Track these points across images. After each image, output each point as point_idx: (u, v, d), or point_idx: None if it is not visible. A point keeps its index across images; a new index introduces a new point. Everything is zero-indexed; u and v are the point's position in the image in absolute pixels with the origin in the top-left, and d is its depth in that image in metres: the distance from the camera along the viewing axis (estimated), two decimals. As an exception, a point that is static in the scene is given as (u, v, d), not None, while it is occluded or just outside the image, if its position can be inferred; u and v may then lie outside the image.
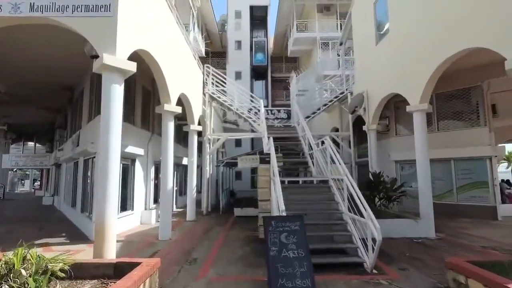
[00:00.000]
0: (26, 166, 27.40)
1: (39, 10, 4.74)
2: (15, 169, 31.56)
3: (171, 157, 7.94)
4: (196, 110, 11.22)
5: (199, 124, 11.62)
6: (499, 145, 11.20)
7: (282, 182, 6.83)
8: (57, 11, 4.74)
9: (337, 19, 20.51)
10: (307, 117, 13.44)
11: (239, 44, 25.57)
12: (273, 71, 27.78)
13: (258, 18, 27.19)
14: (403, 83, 8.74)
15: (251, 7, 25.98)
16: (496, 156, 10.52)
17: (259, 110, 13.56)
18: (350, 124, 12.86)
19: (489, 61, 10.04)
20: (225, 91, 13.71)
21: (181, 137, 15.33)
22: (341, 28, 20.19)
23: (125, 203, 9.12)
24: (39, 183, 35.30)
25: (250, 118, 13.13)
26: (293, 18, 20.70)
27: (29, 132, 23.32)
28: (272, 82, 27.13)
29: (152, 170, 11.09)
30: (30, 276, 2.78)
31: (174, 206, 13.92)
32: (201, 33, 20.72)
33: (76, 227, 9.67)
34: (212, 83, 13.42)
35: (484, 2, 5.84)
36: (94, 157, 8.17)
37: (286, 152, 10.55)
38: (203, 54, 19.75)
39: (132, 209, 9.43)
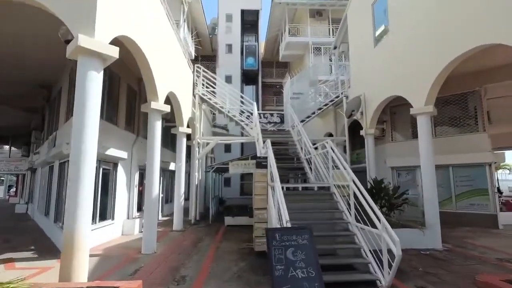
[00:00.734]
0: (0, 171, 25.69)
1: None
2: (-12, 175, 29.59)
3: (158, 160, 7.18)
4: (186, 111, 10.50)
5: (188, 126, 10.89)
6: (500, 151, 10.98)
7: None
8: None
9: (329, 24, 20.38)
10: (302, 121, 12.93)
11: (229, 47, 25.06)
12: (264, 76, 27.41)
13: (249, 22, 26.85)
14: (405, 85, 8.34)
15: (242, 11, 25.63)
16: (495, 163, 10.26)
17: (251, 114, 13.00)
18: (345, 129, 12.42)
19: (487, 66, 9.89)
20: (215, 93, 13.05)
21: (169, 141, 14.51)
22: (333, 34, 20.15)
23: (105, 212, 8.24)
24: (14, 189, 33.22)
25: (242, 121, 12.48)
26: (285, 23, 20.41)
27: (3, 135, 21.80)
28: (263, 87, 26.71)
29: (137, 175, 10.23)
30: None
31: (160, 214, 13.02)
32: (191, 35, 20.11)
33: (48, 238, 8.67)
34: (203, 85, 12.76)
35: (498, -3, 5.49)
36: (70, 160, 7.31)
37: (280, 157, 9.93)
38: (193, 57, 19.11)
39: (113, 218, 8.54)
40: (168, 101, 8.49)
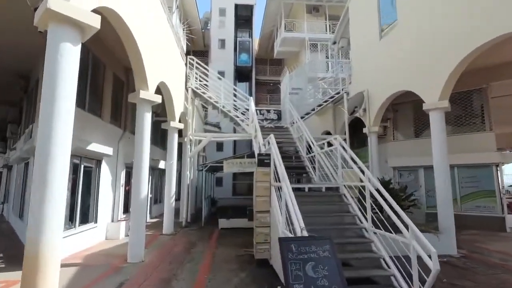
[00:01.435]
0: (-24, 169, 24.10)
1: None
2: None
3: (147, 157, 6.39)
4: (178, 105, 9.70)
5: (179, 122, 10.09)
6: (508, 151, 10.61)
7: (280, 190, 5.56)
8: None
9: (326, 20, 19.88)
10: (301, 117, 12.31)
11: (222, 42, 24.26)
12: (257, 73, 26.76)
13: (243, 17, 26.15)
14: (416, 79, 7.79)
15: (236, 6, 24.90)
16: (503, 163, 9.87)
17: (247, 110, 12.31)
18: (346, 127, 11.84)
19: (494, 63, 9.47)
20: (208, 87, 12.26)
21: (159, 137, 13.65)
22: (330, 30, 19.66)
23: (86, 214, 7.37)
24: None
25: (238, 117, 11.76)
26: (281, 18, 19.78)
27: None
28: (256, 85, 26.05)
29: (123, 173, 9.37)
30: None
31: (148, 216, 12.15)
32: (183, 29, 19.21)
33: (22, 245, 7.72)
34: (196, 78, 11.97)
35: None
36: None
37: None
38: (185, 50, 18.24)
39: (95, 221, 7.68)
40: (158, 92, 7.69)
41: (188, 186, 11.52)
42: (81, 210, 7.03)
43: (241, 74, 25.16)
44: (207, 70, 12.15)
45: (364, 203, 5.11)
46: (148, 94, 6.33)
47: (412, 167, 11.42)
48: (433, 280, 3.44)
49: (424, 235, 6.53)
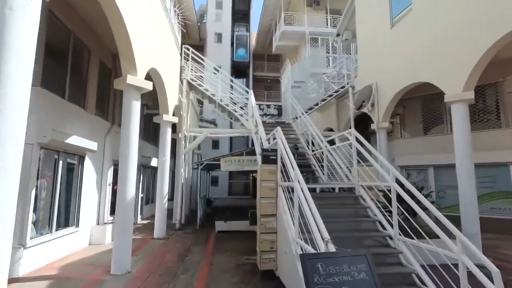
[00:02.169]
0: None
1: None
2: None
3: (135, 151, 5.55)
4: (171, 97, 8.86)
5: (174, 115, 9.25)
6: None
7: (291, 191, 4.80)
8: None
9: (327, 14, 19.17)
10: (295, 117, 11.57)
11: (219, 36, 23.39)
12: (255, 69, 25.98)
13: (240, 12, 25.32)
14: (435, 68, 7.08)
15: (233, -2, 24.06)
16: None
17: (246, 104, 11.54)
18: (351, 123, 11.12)
19: (510, 56, 8.83)
20: (204, 79, 11.44)
21: (151, 133, 12.78)
22: (331, 24, 18.97)
23: (66, 217, 6.51)
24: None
25: (236, 111, 10.97)
26: (280, 11, 19.00)
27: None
28: (254, 81, 25.26)
29: (110, 171, 8.50)
30: None
31: (139, 217, 11.30)
32: (178, 20, 18.30)
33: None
34: (191, 69, 11.15)
35: None
36: None
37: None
38: (179, 41, 17.36)
39: (77, 225, 6.81)
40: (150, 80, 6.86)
41: (182, 185, 10.70)
42: (60, 212, 6.17)
43: (238, 70, 24.33)
44: (203, 61, 11.32)
45: (390, 207, 4.36)
46: (137, 79, 5.49)
47: (421, 166, 10.78)
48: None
49: (445, 241, 5.88)
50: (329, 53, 17.79)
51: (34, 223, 5.33)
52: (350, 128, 11.35)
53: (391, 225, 4.41)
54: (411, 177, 11.01)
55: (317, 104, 11.80)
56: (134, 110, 5.57)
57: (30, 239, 5.15)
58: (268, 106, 12.58)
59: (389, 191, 5.65)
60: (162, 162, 8.70)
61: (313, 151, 8.17)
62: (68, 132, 6.00)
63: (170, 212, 10.01)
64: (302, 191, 3.75)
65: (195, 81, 10.87)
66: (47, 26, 5.49)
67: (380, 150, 9.65)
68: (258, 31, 24.43)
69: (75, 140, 6.10)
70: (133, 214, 5.70)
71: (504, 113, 9.41)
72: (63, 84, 6.23)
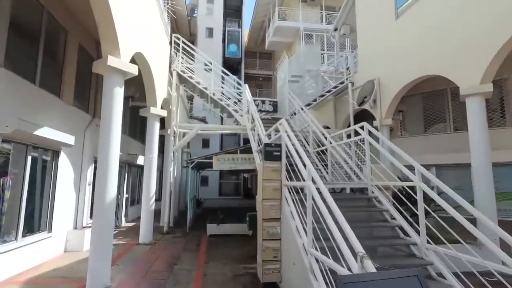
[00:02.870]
0: None
1: None
2: None
3: (116, 145, 4.78)
4: (160, 88, 8.09)
5: (162, 109, 8.47)
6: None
7: (300, 192, 4.19)
8: None
9: (322, 10, 18.75)
10: (293, 113, 10.98)
11: (210, 31, 22.59)
12: (246, 66, 25.31)
13: (232, 7, 24.62)
14: (448, 60, 6.59)
15: (225, -7, 23.32)
16: (526, 162, 8.90)
17: (239, 101, 10.86)
18: (351, 120, 10.59)
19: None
20: (194, 72, 10.68)
21: (137, 129, 11.93)
22: (326, 21, 18.56)
23: (36, 221, 5.66)
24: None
25: (229, 106, 10.28)
26: (274, 5, 18.43)
27: None
28: (245, 78, 24.58)
29: (91, 169, 7.64)
30: None
31: (123, 219, 10.45)
32: (167, 12, 17.46)
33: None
34: (182, 60, 10.39)
35: None
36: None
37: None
38: (169, 30, 16.53)
39: (49, 230, 5.97)
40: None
41: (170, 185, 9.92)
42: (28, 216, 5.32)
43: (230, 67, 23.51)
44: (195, 51, 10.59)
45: (417, 211, 3.78)
46: (120, 62, 4.73)
47: (423, 166, 10.35)
48: None
49: (461, 246, 5.37)
50: (324, 50, 17.33)
51: (-6, 229, 4.50)
52: (348, 126, 10.89)
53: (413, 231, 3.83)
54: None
55: (315, 100, 11.24)
56: (116, 98, 4.80)
57: (-12, 248, 4.32)
58: (263, 102, 11.96)
59: (400, 192, 5.13)
60: (149, 159, 7.91)
61: (322, 145, 7.55)
62: (38, 122, 5.17)
63: (157, 213, 9.22)
64: (319, 192, 3.12)
65: (186, 73, 10.10)
66: (13, -3, 4.67)
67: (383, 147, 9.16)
68: (251, 28, 23.81)
69: (46, 132, 5.27)
70: (114, 217, 4.93)
71: (509, 111, 9.06)
72: (33, 68, 5.39)
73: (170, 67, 9.89)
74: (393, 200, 4.75)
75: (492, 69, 5.63)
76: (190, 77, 10.12)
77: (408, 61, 7.96)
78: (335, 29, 13.20)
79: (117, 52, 4.69)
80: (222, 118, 19.74)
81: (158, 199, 12.15)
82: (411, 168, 4.42)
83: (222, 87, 11.02)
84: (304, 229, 3.58)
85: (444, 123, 10.20)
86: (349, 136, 6.06)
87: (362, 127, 5.42)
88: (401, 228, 4.16)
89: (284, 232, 4.38)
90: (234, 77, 10.71)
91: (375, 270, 2.08)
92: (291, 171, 4.49)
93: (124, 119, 10.61)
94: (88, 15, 4.76)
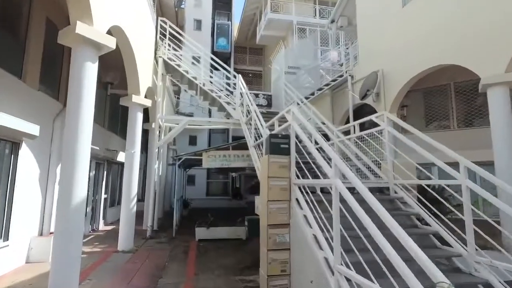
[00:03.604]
0: None
1: None
2: None
3: (87, 134, 3.86)
4: (144, 74, 7.14)
5: (146, 98, 7.52)
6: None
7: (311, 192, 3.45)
8: None
9: (315, 4, 18.20)
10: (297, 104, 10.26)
11: (199, 23, 21.58)
12: (236, 62, 24.44)
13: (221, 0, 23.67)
14: (466, 47, 6.00)
15: (214, -18, 22.35)
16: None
17: (231, 92, 10.03)
18: (350, 115, 9.95)
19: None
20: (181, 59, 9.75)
21: (118, 123, 10.88)
22: (319, 15, 18.01)
23: (-12, 228, 4.64)
24: None
25: (221, 98, 9.43)
26: (266, -1, 17.70)
27: None
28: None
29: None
30: None
31: (102, 222, 9.40)
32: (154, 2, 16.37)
33: None
34: (169, 47, 9.45)
35: None
36: None
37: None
38: (154, 14, 15.48)
39: (6, 238, 4.95)
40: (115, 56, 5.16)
41: (155, 184, 8.96)
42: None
43: (218, 63, 22.65)
44: (181, 36, 9.68)
45: (459, 212, 3.08)
46: (92, 30, 3.81)
47: (424, 164, 9.83)
48: None
49: (486, 252, 4.72)
50: (317, 45, 16.70)
51: None
52: (347, 121, 10.24)
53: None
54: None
55: (313, 94, 10.53)
56: (87, 76, 3.87)
57: None
58: (257, 95, 11.18)
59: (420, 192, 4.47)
60: (130, 154, 6.95)
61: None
62: (-12, 105, 4.18)
63: (140, 215, 8.26)
64: (351, 192, 2.36)
65: (173, 60, 9.16)
66: None
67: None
68: (241, 21, 22.99)
69: (2, 119, 4.27)
70: (83, 222, 4.00)
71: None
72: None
73: (155, 53, 8.94)
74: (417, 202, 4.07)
75: (521, 54, 5.06)
76: (178, 65, 9.18)
77: (417, 51, 7.36)
78: (332, 21, 12.56)
79: (88, 19, 3.77)
80: (210, 115, 18.88)
81: (141, 199, 11.16)
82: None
83: (211, 77, 10.15)
84: (327, 239, 2.82)
85: (447, 120, 9.73)
86: (362, 129, 5.35)
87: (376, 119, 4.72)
88: (436, 236, 3.47)
89: (295, 240, 3.61)
90: (227, 66, 9.83)
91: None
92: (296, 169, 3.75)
93: (103, 110, 9.65)
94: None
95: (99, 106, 8.95)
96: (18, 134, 4.89)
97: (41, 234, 5.95)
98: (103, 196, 9.55)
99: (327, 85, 10.56)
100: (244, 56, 25.54)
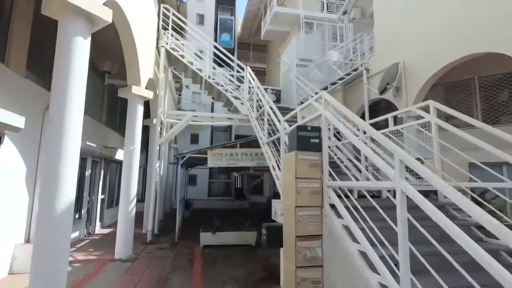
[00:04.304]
0: None
1: None
2: None
3: (76, 127, 3.19)
4: (144, 64, 6.46)
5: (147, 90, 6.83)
6: None
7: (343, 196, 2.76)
8: None
9: (323, -3, 17.53)
10: (301, 103, 9.58)
11: (201, 18, 20.93)
12: (239, 58, 23.73)
13: (225, -6, 23.02)
14: (503, 35, 5.31)
15: (217, -22, 21.69)
16: None
17: (239, 86, 9.38)
18: (366, 111, 9.25)
19: None
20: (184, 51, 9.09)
21: (117, 118, 10.20)
22: (327, 9, 17.36)
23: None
24: None
25: (227, 91, 8.76)
26: (272, -9, 17.02)
27: None
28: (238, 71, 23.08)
29: (52, 164, 5.91)
30: None
31: (98, 225, 8.73)
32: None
33: None
34: (172, 36, 8.78)
35: None
36: None
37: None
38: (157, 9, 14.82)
39: (-16, 247, 4.27)
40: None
41: (156, 184, 8.29)
42: None
43: (222, 58, 21.99)
44: (185, 24, 9.03)
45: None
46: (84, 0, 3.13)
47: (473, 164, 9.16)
48: None
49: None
50: (324, 40, 16.03)
51: None
52: (364, 118, 9.55)
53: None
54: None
55: (326, 88, 9.84)
56: (77, 53, 3.21)
57: None
58: (265, 90, 10.44)
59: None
60: (129, 151, 6.25)
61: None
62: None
63: (139, 217, 7.59)
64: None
65: (177, 50, 8.49)
66: None
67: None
68: (244, 17, 22.30)
69: (-26, 107, 3.58)
70: (70, 229, 3.31)
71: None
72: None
73: (157, 43, 8.27)
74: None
75: None
76: (182, 56, 8.50)
77: (446, 39, 6.67)
78: (344, 13, 11.88)
79: (78, -17, 3.08)
80: (212, 111, 18.20)
81: (141, 200, 10.48)
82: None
83: (214, 68, 9.49)
84: (394, 255, 2.14)
85: (470, 117, 9.05)
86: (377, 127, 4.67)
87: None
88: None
89: (330, 256, 2.92)
90: (235, 58, 9.17)
91: None
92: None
93: (101, 104, 8.97)
94: None
95: (96, 99, 8.28)
96: (1, 126, 4.20)
97: (27, 240, 5.27)
98: (100, 196, 8.87)
99: (341, 79, 9.87)
100: (248, 52, 24.87)
